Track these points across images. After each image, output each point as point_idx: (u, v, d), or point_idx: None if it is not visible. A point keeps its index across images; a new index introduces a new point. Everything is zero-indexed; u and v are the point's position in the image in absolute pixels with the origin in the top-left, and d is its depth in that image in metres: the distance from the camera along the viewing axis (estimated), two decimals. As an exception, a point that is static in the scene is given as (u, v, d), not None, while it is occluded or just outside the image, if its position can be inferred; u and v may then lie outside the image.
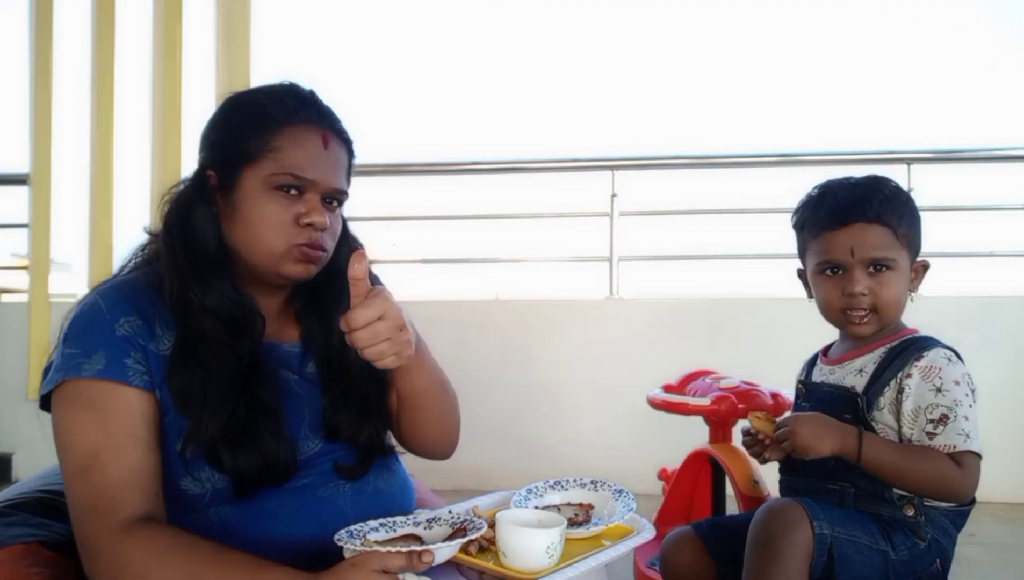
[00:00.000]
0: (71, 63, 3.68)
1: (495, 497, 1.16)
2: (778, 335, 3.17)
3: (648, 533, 1.03)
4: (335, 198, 1.05)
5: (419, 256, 3.90)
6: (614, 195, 3.70)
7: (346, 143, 1.08)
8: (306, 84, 1.08)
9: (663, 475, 2.24)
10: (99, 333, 0.94)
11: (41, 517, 1.11)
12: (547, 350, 3.47)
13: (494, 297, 3.65)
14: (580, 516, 1.08)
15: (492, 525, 0.96)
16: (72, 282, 3.82)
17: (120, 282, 1.01)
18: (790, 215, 1.35)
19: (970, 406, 1.13)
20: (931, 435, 1.12)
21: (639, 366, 3.43)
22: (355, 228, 1.18)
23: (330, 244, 1.05)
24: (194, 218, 1.00)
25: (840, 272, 1.22)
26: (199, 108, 3.70)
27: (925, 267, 1.27)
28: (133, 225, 3.71)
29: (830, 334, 1.38)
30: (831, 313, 1.26)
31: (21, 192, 3.66)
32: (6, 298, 4.20)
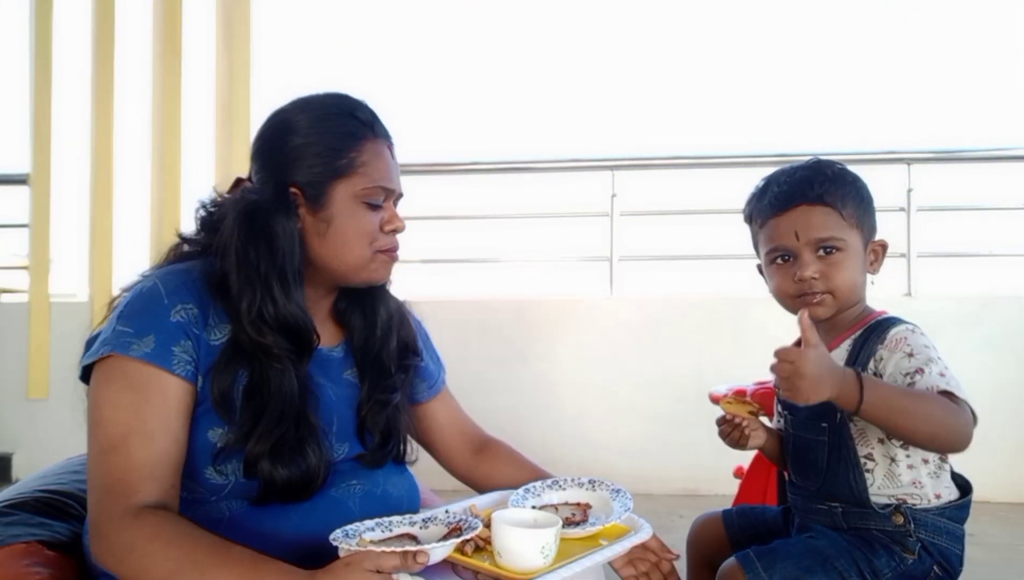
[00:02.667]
0: (71, 63, 3.68)
1: (493, 497, 1.16)
2: (778, 335, 3.15)
3: (645, 533, 1.03)
4: (399, 201, 1.11)
5: (419, 256, 3.90)
6: (614, 195, 3.70)
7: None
8: (356, 94, 1.11)
9: (739, 473, 2.25)
10: (154, 316, 0.96)
11: (41, 517, 1.12)
12: (547, 350, 3.47)
13: (494, 297, 3.64)
14: (578, 516, 1.08)
15: (488, 524, 0.96)
16: (72, 282, 3.81)
17: (181, 269, 1.03)
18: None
19: (945, 365, 1.07)
20: (911, 386, 1.06)
21: (638, 366, 3.44)
22: None
23: None
24: (279, 234, 1.00)
25: (790, 258, 1.17)
26: (199, 108, 3.70)
27: (884, 247, 1.22)
28: (133, 225, 3.73)
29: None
30: (785, 300, 1.21)
31: (21, 192, 3.66)
32: (6, 298, 4.20)
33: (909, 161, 3.57)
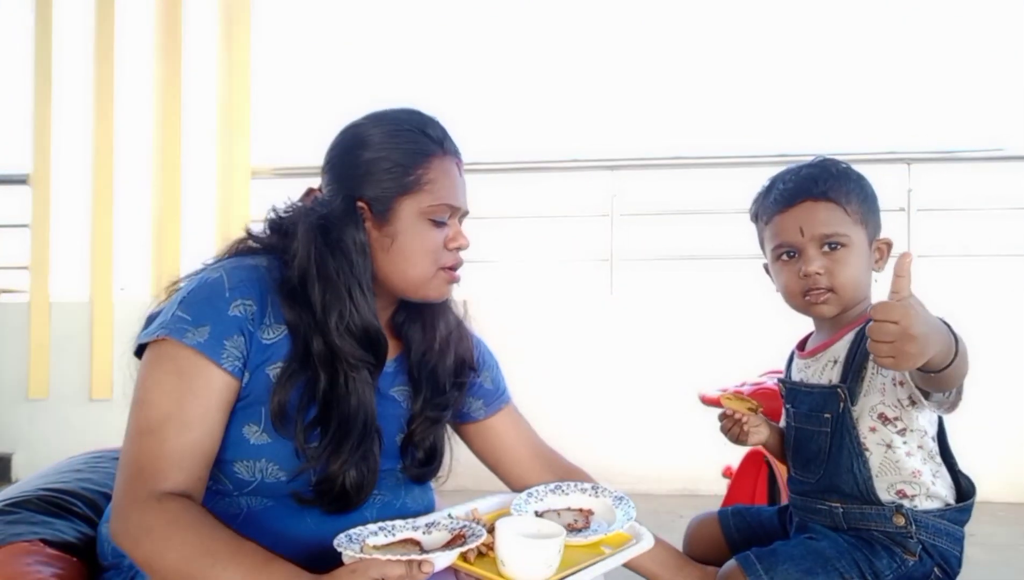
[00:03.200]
0: (71, 63, 3.68)
1: (495, 500, 1.15)
2: (778, 335, 3.15)
3: (647, 543, 1.03)
4: (464, 218, 1.12)
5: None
6: (614, 195, 3.71)
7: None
8: (428, 110, 1.12)
9: (728, 473, 2.26)
10: (213, 308, 0.97)
11: (43, 515, 1.12)
12: (547, 350, 3.47)
13: (494, 297, 3.64)
14: (580, 522, 1.08)
15: (491, 531, 0.96)
16: (72, 282, 3.81)
17: (248, 264, 1.04)
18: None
19: None
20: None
21: (638, 366, 3.44)
22: None
23: None
24: (351, 248, 1.02)
25: (795, 255, 1.18)
26: (199, 108, 3.70)
27: (888, 245, 1.23)
28: (133, 225, 3.73)
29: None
30: (792, 298, 1.21)
31: (21, 192, 3.66)
32: (6, 298, 4.20)
33: (909, 161, 3.57)
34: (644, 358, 3.43)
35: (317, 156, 1.13)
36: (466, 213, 1.11)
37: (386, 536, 0.95)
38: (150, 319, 1.01)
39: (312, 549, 0.97)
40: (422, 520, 0.99)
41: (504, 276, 3.98)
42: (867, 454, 1.14)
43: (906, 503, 1.12)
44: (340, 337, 0.99)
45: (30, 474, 1.30)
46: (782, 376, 1.35)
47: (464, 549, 0.89)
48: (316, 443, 0.98)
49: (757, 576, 1.10)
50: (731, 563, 1.14)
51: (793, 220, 1.16)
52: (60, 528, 1.11)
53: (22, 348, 3.53)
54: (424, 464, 1.12)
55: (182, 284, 1.02)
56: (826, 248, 1.15)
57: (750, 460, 2.09)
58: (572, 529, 1.04)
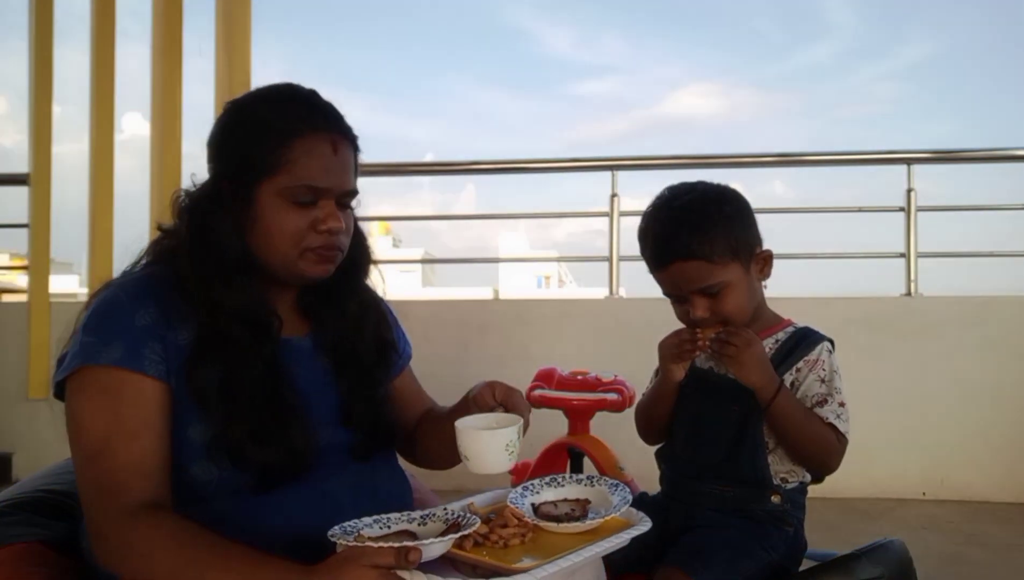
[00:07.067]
0: (71, 63, 3.68)
1: (491, 495, 1.16)
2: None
3: (644, 526, 1.03)
4: (347, 198, 1.07)
5: (419, 256, 3.90)
6: (614, 195, 3.71)
7: (351, 141, 1.08)
8: (305, 85, 1.09)
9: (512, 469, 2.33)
10: (118, 323, 0.96)
11: (42, 517, 1.12)
12: (547, 350, 3.46)
13: (494, 297, 3.64)
14: (577, 512, 1.08)
15: (486, 521, 0.96)
16: (72, 282, 3.82)
17: (139, 276, 1.03)
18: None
19: (843, 395, 1.24)
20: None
21: (639, 366, 3.43)
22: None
23: (346, 242, 1.08)
24: (214, 227, 1.01)
25: (683, 299, 1.27)
26: (199, 109, 3.71)
27: (769, 256, 1.30)
28: (133, 225, 3.74)
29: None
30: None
31: (21, 192, 3.66)
32: (6, 298, 4.20)
33: (909, 161, 3.57)
34: (644, 358, 3.43)
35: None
36: (349, 193, 1.06)
37: (381, 528, 0.95)
38: (60, 360, 0.99)
39: (293, 540, 0.96)
40: (417, 512, 0.99)
41: (504, 275, 3.98)
42: (768, 446, 1.25)
43: (783, 485, 1.25)
44: (210, 316, 0.98)
45: (30, 474, 1.29)
46: None
47: (459, 535, 0.89)
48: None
49: (700, 574, 1.14)
50: (666, 569, 1.17)
51: (669, 278, 1.25)
52: (58, 530, 1.10)
53: (22, 348, 3.53)
54: (370, 439, 1.10)
55: (81, 316, 1.00)
56: (707, 292, 1.23)
57: (549, 454, 2.36)
58: (570, 519, 1.05)
